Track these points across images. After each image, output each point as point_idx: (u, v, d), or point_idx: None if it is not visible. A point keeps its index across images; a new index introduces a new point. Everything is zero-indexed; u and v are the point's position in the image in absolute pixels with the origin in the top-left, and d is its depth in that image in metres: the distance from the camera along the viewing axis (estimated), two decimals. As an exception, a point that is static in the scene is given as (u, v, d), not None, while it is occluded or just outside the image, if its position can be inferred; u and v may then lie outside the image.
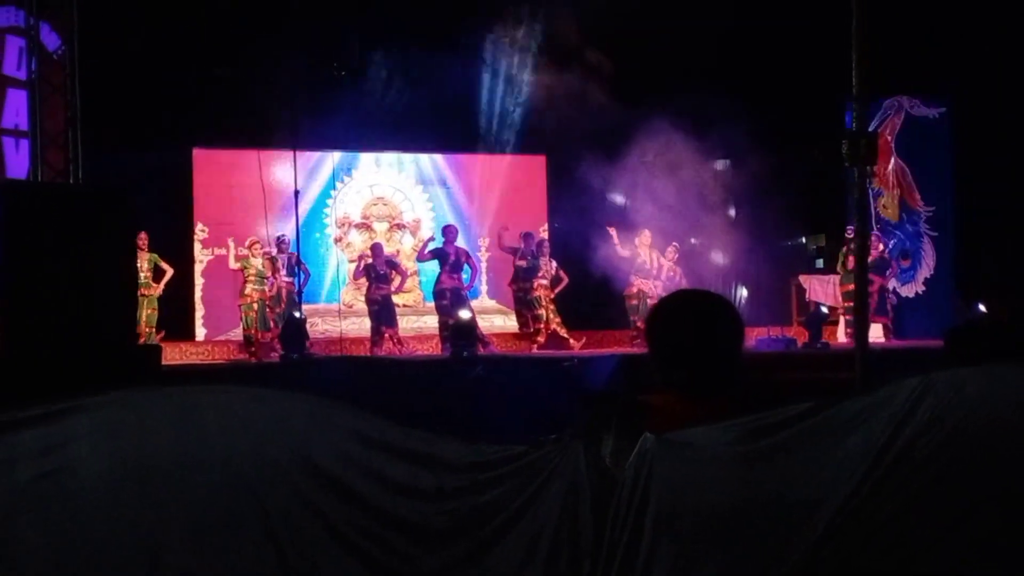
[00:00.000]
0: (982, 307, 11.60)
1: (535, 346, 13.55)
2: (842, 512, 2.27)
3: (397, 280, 13.66)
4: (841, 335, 13.51)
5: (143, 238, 12.11)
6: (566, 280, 13.82)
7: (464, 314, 12.29)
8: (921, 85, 14.26)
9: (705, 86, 12.88)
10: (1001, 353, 3.33)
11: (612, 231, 13.39)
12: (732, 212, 14.08)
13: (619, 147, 13.65)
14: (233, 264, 13.04)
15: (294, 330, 11.59)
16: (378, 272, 13.23)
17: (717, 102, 12.67)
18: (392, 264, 13.71)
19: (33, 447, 1.99)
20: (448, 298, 13.03)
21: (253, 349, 12.68)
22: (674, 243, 13.73)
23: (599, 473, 2.21)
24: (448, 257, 13.23)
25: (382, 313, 13.17)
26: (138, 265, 11.48)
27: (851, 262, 12.77)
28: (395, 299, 13.67)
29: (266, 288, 12.75)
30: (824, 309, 13.14)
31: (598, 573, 2.17)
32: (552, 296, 13.61)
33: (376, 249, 13.62)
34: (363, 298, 13.62)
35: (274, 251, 12.93)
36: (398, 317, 13.71)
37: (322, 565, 2.09)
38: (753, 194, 13.87)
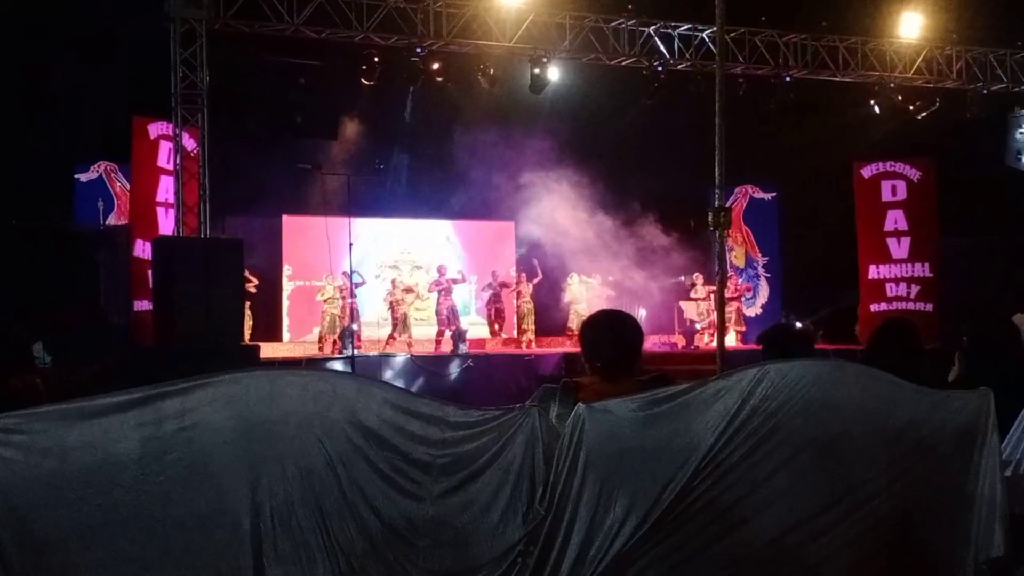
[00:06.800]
0: (798, 323, 18.28)
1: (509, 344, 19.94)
2: (706, 458, 3.34)
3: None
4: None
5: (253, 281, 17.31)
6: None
7: None
8: (759, 176, 21.52)
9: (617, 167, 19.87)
10: (795, 345, 4.59)
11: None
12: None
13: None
14: (319, 297, 18.37)
15: (349, 334, 16.95)
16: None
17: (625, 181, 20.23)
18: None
19: (175, 410, 2.88)
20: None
21: (321, 345, 18.27)
22: (597, 276, 20.31)
23: (548, 429, 3.22)
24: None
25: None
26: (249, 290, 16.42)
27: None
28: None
29: (337, 308, 18.05)
30: (698, 325, 20.26)
31: (547, 497, 3.17)
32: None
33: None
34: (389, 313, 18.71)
35: (340, 282, 17.88)
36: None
37: (366, 489, 3.03)
38: (650, 245, 20.03)
